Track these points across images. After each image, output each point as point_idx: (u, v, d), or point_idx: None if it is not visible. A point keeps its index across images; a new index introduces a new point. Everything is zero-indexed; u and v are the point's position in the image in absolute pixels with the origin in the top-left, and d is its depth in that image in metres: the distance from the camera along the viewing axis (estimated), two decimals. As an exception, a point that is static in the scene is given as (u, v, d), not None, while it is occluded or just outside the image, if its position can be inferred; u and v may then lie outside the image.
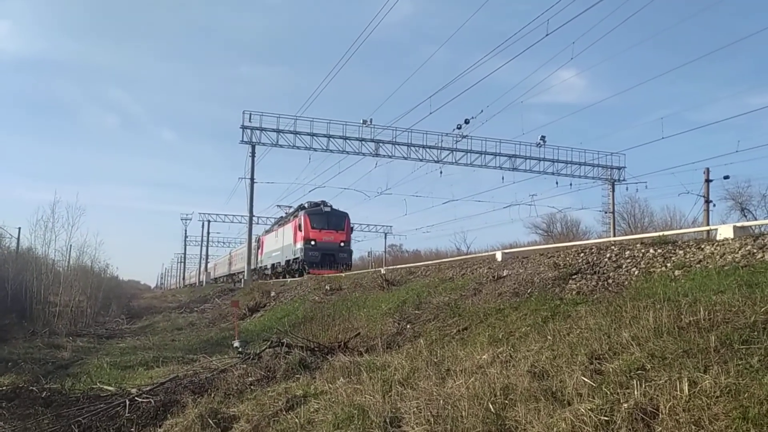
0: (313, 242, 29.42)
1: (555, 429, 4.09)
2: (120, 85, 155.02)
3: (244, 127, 32.86)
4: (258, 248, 43.68)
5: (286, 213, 40.25)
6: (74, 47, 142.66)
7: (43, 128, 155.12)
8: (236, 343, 12.04)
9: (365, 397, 5.85)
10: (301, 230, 30.23)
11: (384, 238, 67.12)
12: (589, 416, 4.00)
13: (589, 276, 8.45)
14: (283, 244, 34.51)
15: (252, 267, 41.72)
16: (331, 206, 31.59)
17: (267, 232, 44.28)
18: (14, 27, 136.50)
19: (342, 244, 30.39)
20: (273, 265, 37.43)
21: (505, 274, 10.21)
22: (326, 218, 30.61)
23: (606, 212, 40.68)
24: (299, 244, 30.24)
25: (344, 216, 31.59)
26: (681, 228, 30.85)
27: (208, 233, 71.41)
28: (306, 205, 32.72)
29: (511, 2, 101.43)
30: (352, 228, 31.74)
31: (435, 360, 6.75)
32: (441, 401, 5.09)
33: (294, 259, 31.24)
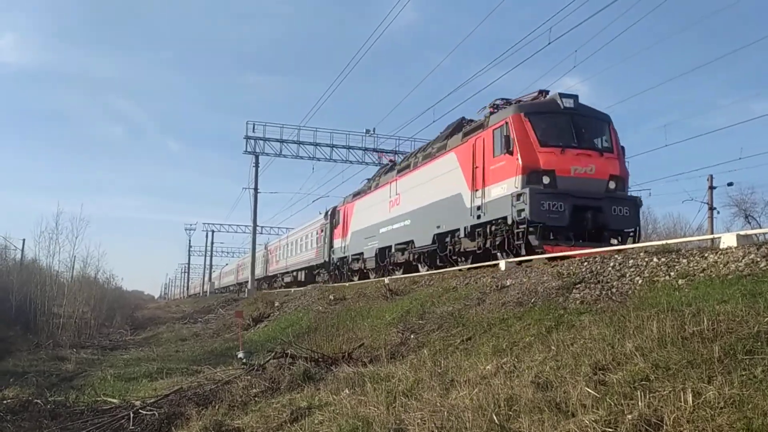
0: (547, 177, 12.67)
1: (559, 441, 4.09)
2: (125, 95, 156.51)
3: (247, 138, 33.02)
4: (334, 228, 26.72)
5: (390, 162, 25.00)
6: (79, 58, 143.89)
7: (48, 139, 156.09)
8: (240, 354, 12.05)
9: (369, 409, 5.85)
10: (509, 151, 13.06)
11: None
12: (593, 428, 4.00)
13: (592, 285, 8.45)
14: (423, 202, 17.35)
15: (320, 261, 28.91)
16: (575, 98, 13.86)
17: (357, 195, 24.81)
18: (19, 39, 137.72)
19: (613, 182, 13.13)
20: (381, 252, 20.52)
21: (508, 284, 10.21)
22: (570, 123, 13.44)
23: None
24: (507, 185, 13.08)
25: (605, 121, 14.13)
26: (685, 236, 30.83)
27: (212, 243, 71.71)
28: (499, 103, 15.06)
29: (514, 10, 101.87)
30: (623, 149, 14.07)
31: (439, 371, 6.75)
32: (445, 412, 5.09)
33: (481, 225, 14.16)
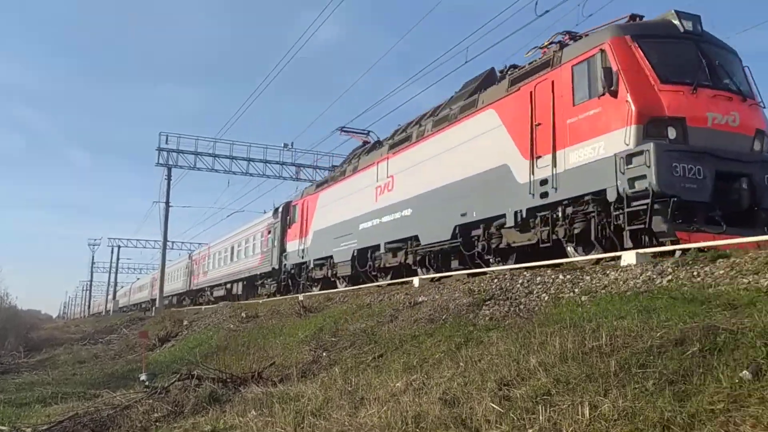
0: (673, 130, 8.51)
1: (464, 457, 4.09)
2: (27, 102, 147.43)
3: (160, 149, 31.92)
4: (288, 227, 22.18)
5: (365, 143, 20.00)
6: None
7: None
8: (143, 377, 11.43)
9: (276, 431, 5.67)
10: (610, 91, 8.85)
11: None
12: (497, 443, 4.04)
13: (502, 302, 8.63)
14: (436, 183, 13.13)
15: (266, 269, 24.22)
16: (696, 19, 9.54)
17: (321, 185, 20.43)
18: None
19: (758, 141, 9.02)
20: (361, 254, 16.47)
21: (420, 300, 10.28)
22: (697, 52, 9.20)
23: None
24: (605, 142, 8.92)
25: (736, 55, 9.93)
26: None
27: (118, 259, 68.45)
28: (561, 38, 10.99)
29: (432, 32, 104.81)
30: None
31: (349, 389, 6.65)
32: (353, 432, 5.01)
33: (546, 206, 10.20)
